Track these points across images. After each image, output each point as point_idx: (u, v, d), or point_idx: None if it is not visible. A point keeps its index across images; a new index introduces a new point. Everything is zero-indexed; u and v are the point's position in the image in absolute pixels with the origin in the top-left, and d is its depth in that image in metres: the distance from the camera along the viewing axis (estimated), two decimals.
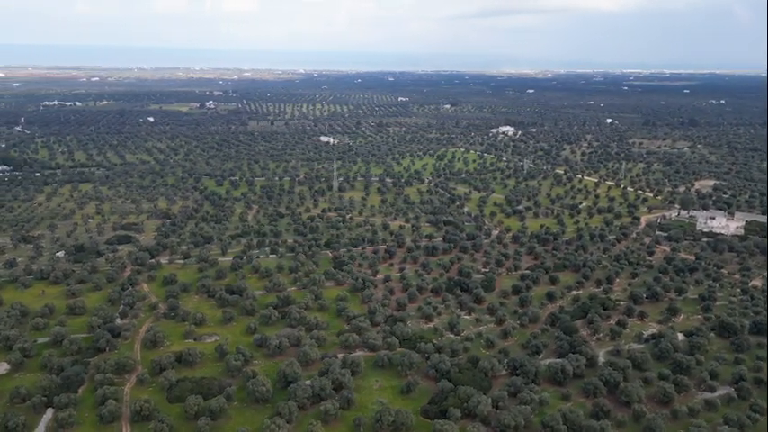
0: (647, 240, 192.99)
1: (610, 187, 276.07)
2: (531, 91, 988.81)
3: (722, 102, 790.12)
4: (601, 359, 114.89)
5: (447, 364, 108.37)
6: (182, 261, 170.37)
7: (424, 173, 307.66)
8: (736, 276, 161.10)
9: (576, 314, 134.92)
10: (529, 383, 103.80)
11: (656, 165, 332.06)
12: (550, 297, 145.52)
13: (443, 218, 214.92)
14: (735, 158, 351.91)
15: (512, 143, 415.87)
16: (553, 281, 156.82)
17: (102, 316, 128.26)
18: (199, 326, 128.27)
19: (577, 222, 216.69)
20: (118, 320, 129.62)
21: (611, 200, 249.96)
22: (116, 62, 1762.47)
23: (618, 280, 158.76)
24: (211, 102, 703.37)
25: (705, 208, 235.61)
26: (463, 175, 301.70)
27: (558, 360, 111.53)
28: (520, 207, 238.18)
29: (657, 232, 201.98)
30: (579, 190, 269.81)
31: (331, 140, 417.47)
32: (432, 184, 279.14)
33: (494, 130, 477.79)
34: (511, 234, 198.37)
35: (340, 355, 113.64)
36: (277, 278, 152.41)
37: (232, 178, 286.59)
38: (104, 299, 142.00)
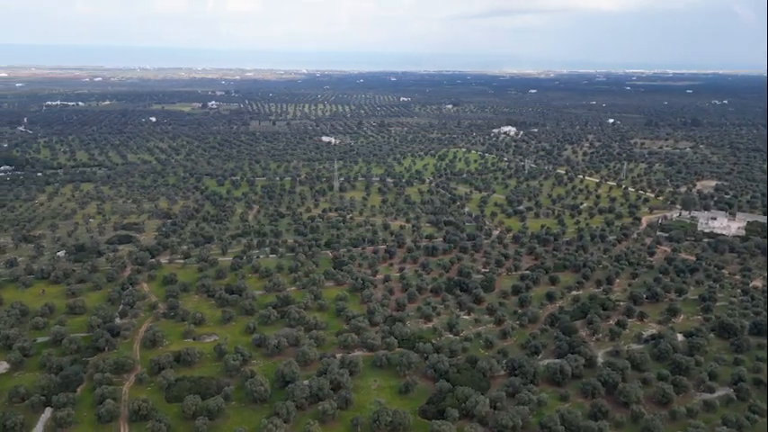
0: (647, 241, 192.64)
1: (611, 187, 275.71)
2: (533, 91, 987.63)
3: (725, 102, 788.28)
4: (600, 360, 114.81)
5: (445, 364, 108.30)
6: (182, 261, 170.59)
7: (426, 173, 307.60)
8: (737, 277, 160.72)
9: (575, 314, 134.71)
10: (527, 384, 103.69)
11: (657, 165, 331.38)
12: (550, 297, 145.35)
13: (444, 218, 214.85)
14: (737, 159, 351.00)
15: (513, 143, 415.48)
16: (553, 281, 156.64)
17: (102, 315, 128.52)
18: (198, 325, 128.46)
19: (578, 223, 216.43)
20: (117, 320, 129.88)
21: (613, 200, 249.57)
22: (119, 62, 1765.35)
23: (618, 280, 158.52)
24: (213, 102, 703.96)
25: (706, 208, 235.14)
26: (464, 176, 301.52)
27: (556, 360, 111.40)
28: (521, 207, 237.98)
29: (658, 233, 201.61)
30: (580, 190, 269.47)
31: (332, 140, 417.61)
32: (433, 185, 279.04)
33: (495, 130, 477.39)
34: (511, 234, 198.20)
35: (338, 355, 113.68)
36: (277, 278, 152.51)
37: (233, 178, 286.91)
38: (104, 298, 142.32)
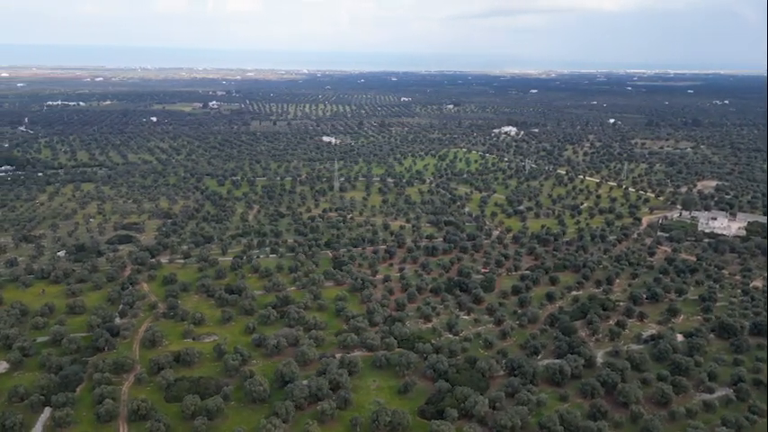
0: (648, 241, 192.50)
1: (611, 188, 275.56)
2: (534, 91, 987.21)
3: (726, 102, 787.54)
4: (599, 360, 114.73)
5: (445, 364, 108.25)
6: (182, 261, 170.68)
7: (426, 173, 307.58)
8: (737, 277, 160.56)
9: (575, 315, 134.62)
10: (527, 384, 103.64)
11: (658, 165, 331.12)
12: (550, 298, 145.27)
13: (444, 218, 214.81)
14: (738, 159, 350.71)
15: (514, 143, 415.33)
16: (553, 281, 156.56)
17: (102, 315, 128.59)
18: (198, 325, 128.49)
19: (578, 223, 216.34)
20: (117, 320, 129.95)
21: (613, 200, 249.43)
22: (120, 62, 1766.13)
23: (618, 281, 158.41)
24: (214, 102, 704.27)
25: (707, 209, 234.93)
26: (465, 176, 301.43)
27: (556, 361, 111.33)
28: (521, 207, 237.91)
29: (659, 233, 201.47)
30: (581, 190, 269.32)
31: (333, 140, 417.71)
32: (433, 185, 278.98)
33: (496, 131, 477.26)
34: (511, 234, 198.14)
35: (338, 355, 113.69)
36: (276, 278, 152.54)
37: (233, 178, 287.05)
38: (104, 298, 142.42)
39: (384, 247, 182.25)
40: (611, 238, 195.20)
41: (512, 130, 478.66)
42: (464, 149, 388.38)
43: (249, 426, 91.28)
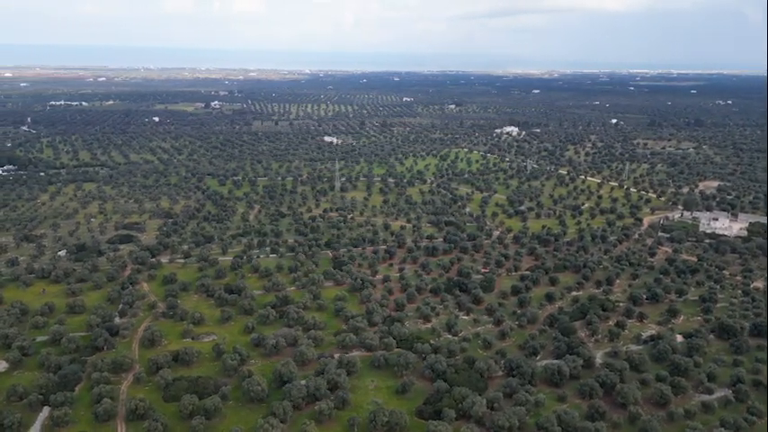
0: (648, 241, 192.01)
1: (613, 188, 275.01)
2: (536, 91, 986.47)
3: (729, 102, 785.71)
4: (598, 360, 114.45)
5: (443, 364, 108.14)
6: (182, 260, 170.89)
7: (427, 173, 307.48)
8: (738, 278, 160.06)
9: (574, 315, 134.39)
10: (525, 384, 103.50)
11: (660, 165, 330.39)
12: (550, 298, 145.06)
13: (445, 218, 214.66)
14: (740, 159, 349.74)
15: (515, 143, 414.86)
16: (553, 282, 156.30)
17: (102, 315, 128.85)
18: (197, 325, 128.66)
19: (579, 223, 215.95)
20: (117, 319, 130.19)
21: (614, 201, 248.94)
22: (123, 62, 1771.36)
23: (618, 281, 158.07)
24: (217, 102, 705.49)
25: (709, 209, 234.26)
26: (466, 176, 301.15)
27: (554, 361, 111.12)
28: (522, 208, 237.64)
29: (660, 233, 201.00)
30: (582, 191, 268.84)
31: (334, 140, 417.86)
32: (434, 185, 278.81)
33: (498, 131, 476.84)
34: (512, 235, 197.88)
35: (336, 356, 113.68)
36: (276, 278, 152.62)
37: (235, 178, 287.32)
38: (104, 298, 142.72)
39: (384, 247, 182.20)
40: (612, 238, 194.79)
41: (513, 130, 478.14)
42: (465, 149, 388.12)
43: (247, 425, 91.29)
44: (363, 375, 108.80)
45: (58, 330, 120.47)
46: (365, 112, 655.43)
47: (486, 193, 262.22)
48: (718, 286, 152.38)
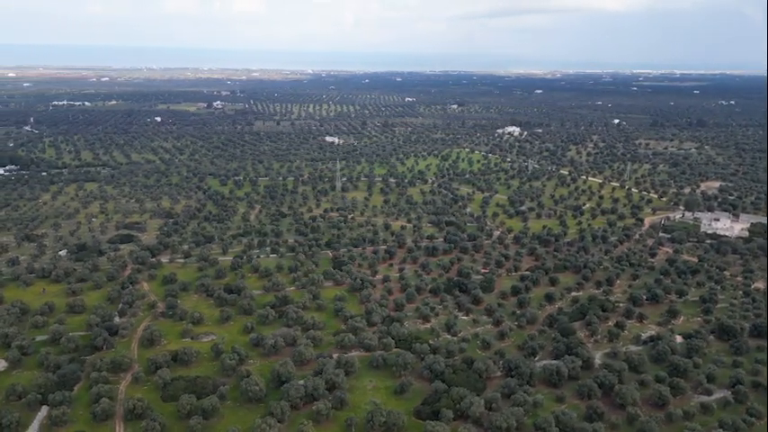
0: (649, 242, 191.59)
1: (614, 188, 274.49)
2: (539, 91, 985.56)
3: (731, 102, 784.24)
4: (597, 361, 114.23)
5: (441, 364, 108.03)
6: (182, 260, 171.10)
7: (428, 173, 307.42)
8: (739, 279, 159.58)
9: (574, 316, 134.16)
10: (523, 385, 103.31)
11: (661, 166, 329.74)
12: (549, 298, 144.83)
13: (445, 218, 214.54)
14: (742, 160, 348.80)
15: (517, 143, 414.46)
16: (553, 282, 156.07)
17: (101, 314, 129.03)
18: (196, 325, 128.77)
19: (580, 223, 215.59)
20: (116, 319, 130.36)
21: (615, 201, 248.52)
22: (126, 62, 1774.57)
23: (618, 282, 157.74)
24: (219, 102, 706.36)
25: (710, 209, 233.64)
26: (467, 176, 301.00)
27: (553, 362, 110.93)
28: (523, 208, 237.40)
29: (661, 234, 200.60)
30: (583, 191, 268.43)
31: (336, 140, 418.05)
32: (435, 185, 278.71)
33: (500, 131, 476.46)
34: (512, 235, 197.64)
35: (335, 356, 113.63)
36: (276, 278, 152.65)
37: (236, 178, 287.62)
38: (104, 297, 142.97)
39: (384, 247, 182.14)
40: (613, 238, 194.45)
41: (515, 130, 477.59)
42: (467, 150, 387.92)
43: (245, 425, 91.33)
44: (362, 375, 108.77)
45: (57, 330, 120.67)
46: (367, 112, 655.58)
47: (487, 194, 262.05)
48: (718, 287, 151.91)
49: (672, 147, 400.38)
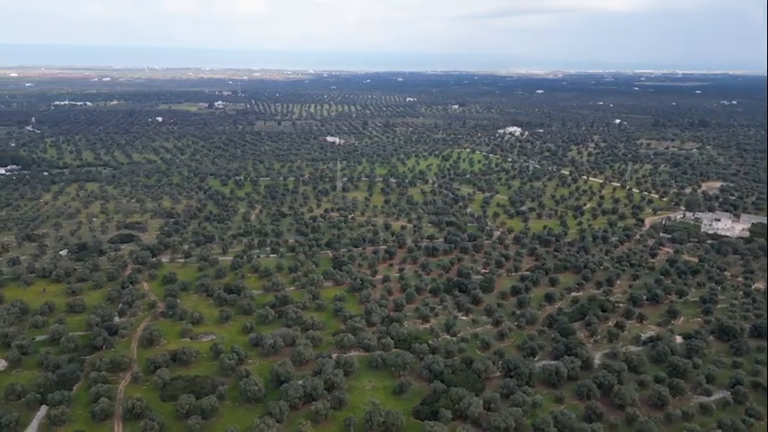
0: (650, 242, 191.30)
1: (615, 188, 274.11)
2: (540, 91, 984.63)
3: (734, 102, 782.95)
4: (597, 361, 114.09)
5: (440, 365, 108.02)
6: (182, 260, 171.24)
7: (429, 173, 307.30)
8: (739, 279, 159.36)
9: (574, 316, 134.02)
10: (522, 385, 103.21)
11: (663, 166, 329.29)
12: (549, 299, 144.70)
13: (446, 218, 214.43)
14: (743, 160, 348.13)
15: (518, 144, 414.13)
16: (553, 282, 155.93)
17: (101, 314, 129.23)
18: (196, 325, 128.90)
19: (581, 224, 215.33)
20: (116, 319, 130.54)
21: (616, 201, 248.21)
22: (127, 62, 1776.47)
23: (619, 282, 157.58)
24: (220, 102, 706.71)
25: (711, 210, 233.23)
26: (468, 176, 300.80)
27: (552, 362, 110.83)
28: (523, 208, 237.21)
29: (661, 234, 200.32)
30: (584, 191, 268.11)
31: (337, 140, 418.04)
32: (436, 185, 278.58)
33: (501, 131, 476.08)
34: (513, 235, 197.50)
35: (334, 356, 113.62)
36: (276, 278, 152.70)
37: (237, 178, 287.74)
38: (104, 297, 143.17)
39: (384, 247, 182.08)
40: (614, 239, 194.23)
41: (516, 130, 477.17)
42: (468, 150, 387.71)
43: (243, 425, 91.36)
44: (361, 375, 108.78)
45: (57, 329, 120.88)
46: (368, 112, 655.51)
47: (487, 194, 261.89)
48: (719, 287, 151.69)
49: (673, 147, 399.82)
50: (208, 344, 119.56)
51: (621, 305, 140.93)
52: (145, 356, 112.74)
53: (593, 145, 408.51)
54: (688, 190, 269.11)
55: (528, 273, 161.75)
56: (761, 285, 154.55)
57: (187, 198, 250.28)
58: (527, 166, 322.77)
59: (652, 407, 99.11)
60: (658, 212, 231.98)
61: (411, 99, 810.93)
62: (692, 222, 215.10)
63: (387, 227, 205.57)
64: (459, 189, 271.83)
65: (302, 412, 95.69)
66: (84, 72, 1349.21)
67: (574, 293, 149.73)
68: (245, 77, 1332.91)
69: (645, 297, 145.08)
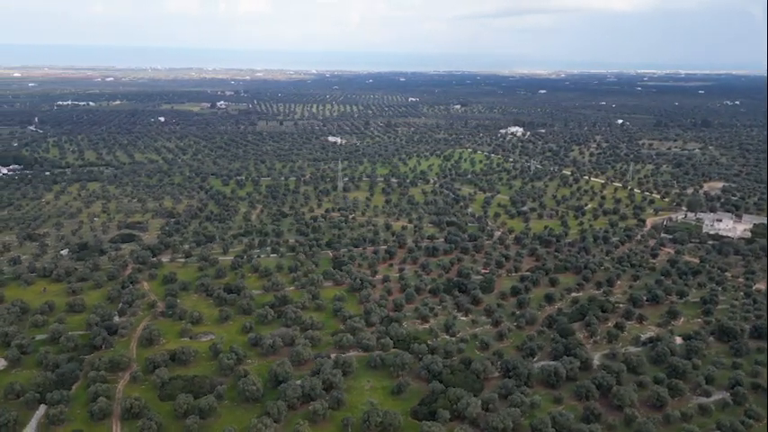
0: (651, 243, 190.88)
1: (617, 189, 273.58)
2: (542, 91, 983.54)
3: (737, 102, 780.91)
4: (596, 362, 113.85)
5: (439, 365, 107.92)
6: (183, 260, 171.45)
7: (430, 173, 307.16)
8: (740, 280, 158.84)
9: (573, 316, 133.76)
10: (521, 386, 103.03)
11: (665, 166, 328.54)
12: (549, 299, 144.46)
13: (446, 218, 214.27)
14: (746, 160, 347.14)
15: (520, 144, 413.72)
16: (553, 283, 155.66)
17: (101, 314, 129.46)
18: (196, 324, 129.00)
19: (582, 224, 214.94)
20: (116, 318, 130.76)
21: (618, 201, 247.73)
22: (130, 62, 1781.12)
23: (619, 282, 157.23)
24: (222, 102, 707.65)
25: (713, 210, 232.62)
26: (469, 176, 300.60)
27: (551, 363, 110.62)
28: (524, 208, 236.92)
29: (663, 234, 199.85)
30: (585, 191, 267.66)
31: (339, 140, 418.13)
32: (437, 185, 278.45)
33: (502, 131, 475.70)
34: (513, 235, 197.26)
35: (333, 356, 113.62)
36: (276, 278, 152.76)
37: (238, 178, 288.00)
38: (104, 297, 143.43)
39: (385, 247, 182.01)
40: (615, 239, 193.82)
41: (518, 130, 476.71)
42: (469, 150, 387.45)
43: (241, 425, 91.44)
44: (359, 376, 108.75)
45: (57, 329, 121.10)
46: (370, 112, 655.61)
47: (488, 194, 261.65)
48: (719, 288, 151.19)
49: (675, 147, 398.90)
50: (207, 343, 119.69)
51: (621, 306, 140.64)
52: (144, 356, 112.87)
53: (594, 145, 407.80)
54: (690, 190, 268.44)
55: (528, 273, 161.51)
56: (761, 286, 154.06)
57: (188, 198, 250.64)
58: (529, 167, 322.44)
59: (651, 408, 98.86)
60: (660, 213, 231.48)
61: (413, 99, 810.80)
62: (693, 223, 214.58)
63: (387, 227, 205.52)
64: (460, 189, 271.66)
65: (300, 412, 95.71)
66: (87, 72, 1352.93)
67: (574, 294, 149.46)
68: (248, 77, 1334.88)
69: (645, 298, 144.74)
